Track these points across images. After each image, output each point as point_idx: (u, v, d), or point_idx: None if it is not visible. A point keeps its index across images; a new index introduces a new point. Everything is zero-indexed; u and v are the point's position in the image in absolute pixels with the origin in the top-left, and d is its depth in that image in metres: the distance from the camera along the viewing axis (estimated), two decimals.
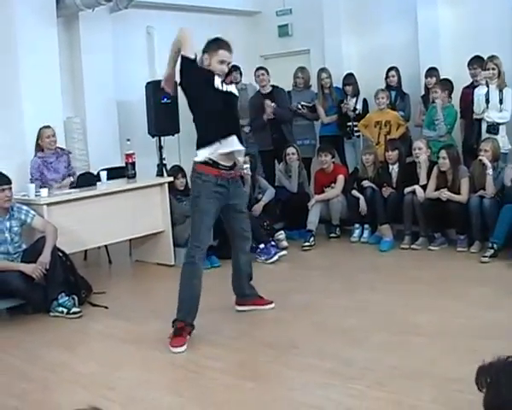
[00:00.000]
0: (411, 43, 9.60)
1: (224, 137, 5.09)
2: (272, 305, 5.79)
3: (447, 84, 8.37)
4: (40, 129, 7.51)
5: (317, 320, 5.46)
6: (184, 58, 5.05)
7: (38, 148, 7.51)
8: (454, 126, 8.30)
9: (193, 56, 5.06)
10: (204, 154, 5.11)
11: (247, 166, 8.11)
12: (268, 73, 9.39)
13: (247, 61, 10.24)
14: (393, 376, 4.23)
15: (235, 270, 5.73)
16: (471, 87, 8.23)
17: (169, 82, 5.40)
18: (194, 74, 5.07)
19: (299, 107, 9.55)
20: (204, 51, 5.14)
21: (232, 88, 5.32)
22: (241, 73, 9.71)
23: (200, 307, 5.33)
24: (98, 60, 9.10)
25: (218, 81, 5.12)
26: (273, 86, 9.37)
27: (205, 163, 5.12)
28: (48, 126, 7.60)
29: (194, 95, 5.15)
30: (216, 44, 5.14)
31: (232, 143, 5.14)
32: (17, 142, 8.20)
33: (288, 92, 9.85)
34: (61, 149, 7.70)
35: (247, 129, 9.48)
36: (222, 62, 5.09)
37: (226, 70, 5.18)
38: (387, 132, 8.64)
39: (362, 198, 8.11)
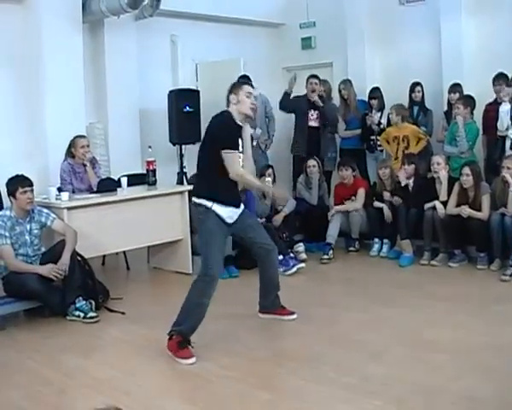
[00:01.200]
0: (435, 59, 9.56)
1: (233, 207, 5.27)
2: (294, 316, 5.78)
3: (469, 101, 8.32)
4: (75, 137, 7.46)
5: (335, 334, 5.42)
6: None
7: (70, 155, 7.46)
8: (475, 143, 8.25)
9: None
10: (208, 204, 5.15)
11: (269, 179, 8.11)
12: (320, 83, 9.42)
13: (269, 73, 10.26)
14: (413, 392, 4.19)
15: (265, 284, 5.74)
16: (494, 104, 8.18)
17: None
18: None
19: None
20: (230, 93, 5.32)
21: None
22: (252, 85, 9.65)
23: (218, 316, 5.37)
24: (122, 66, 9.15)
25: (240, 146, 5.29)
26: (319, 96, 9.36)
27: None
28: (83, 136, 7.60)
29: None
30: (239, 83, 5.59)
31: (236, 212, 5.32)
32: (39, 145, 8.26)
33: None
34: (91, 160, 7.63)
35: (263, 138, 9.51)
36: (249, 95, 5.28)
37: (255, 104, 5.40)
38: (405, 147, 8.59)
39: (385, 206, 8.08)
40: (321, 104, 9.20)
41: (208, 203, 5.12)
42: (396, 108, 8.70)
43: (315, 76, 9.45)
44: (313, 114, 9.25)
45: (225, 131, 5.18)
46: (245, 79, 9.50)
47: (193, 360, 4.89)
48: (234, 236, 5.68)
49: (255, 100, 9.29)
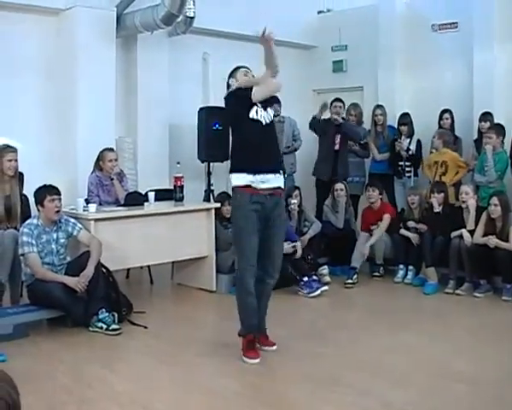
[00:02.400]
0: (466, 86, 9.54)
1: (257, 173, 5.20)
2: (274, 347, 5.54)
3: (501, 130, 8.28)
4: (103, 150, 7.54)
5: (356, 358, 5.38)
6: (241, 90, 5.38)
7: (98, 167, 7.53)
8: (505, 172, 8.20)
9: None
10: (238, 178, 5.21)
11: (294, 201, 8.12)
12: (344, 106, 9.43)
13: (299, 94, 10.28)
14: None
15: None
16: None
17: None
18: (238, 104, 5.35)
19: (351, 143, 9.55)
20: (229, 78, 5.66)
21: (269, 115, 5.43)
22: (281, 105, 9.70)
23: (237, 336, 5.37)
24: (153, 82, 9.22)
25: (253, 112, 5.31)
26: (343, 118, 9.33)
27: (241, 186, 5.20)
28: (111, 149, 7.67)
29: (233, 122, 5.49)
30: (237, 67, 5.68)
31: (266, 180, 5.22)
32: (69, 157, 8.35)
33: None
34: (119, 173, 7.70)
35: (289, 162, 9.55)
36: (246, 73, 5.56)
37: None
38: (443, 173, 8.54)
39: (411, 235, 8.04)
40: (340, 121, 9.14)
41: (233, 176, 5.24)
42: (439, 133, 8.71)
43: (339, 99, 9.45)
44: (337, 139, 9.19)
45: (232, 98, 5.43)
46: (273, 99, 9.59)
47: (256, 360, 5.19)
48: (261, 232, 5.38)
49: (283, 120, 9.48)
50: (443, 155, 8.60)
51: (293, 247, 7.61)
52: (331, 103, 9.38)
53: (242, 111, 5.29)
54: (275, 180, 5.26)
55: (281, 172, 5.35)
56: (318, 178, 9.40)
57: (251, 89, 5.29)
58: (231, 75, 5.60)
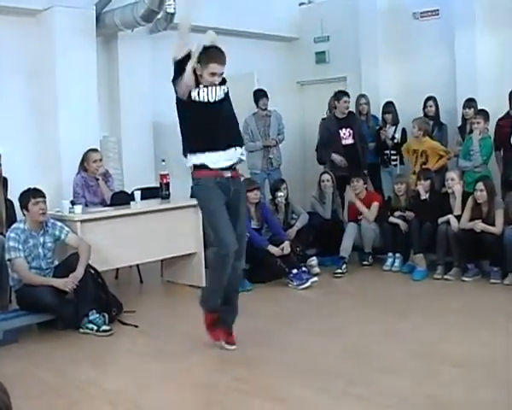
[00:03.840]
0: (449, 73, 9.57)
1: (211, 151, 5.04)
2: (234, 347, 5.35)
3: (487, 116, 8.30)
4: (87, 151, 7.53)
5: (349, 346, 5.40)
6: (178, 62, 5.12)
7: (83, 168, 7.52)
8: (490, 157, 8.23)
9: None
10: (193, 159, 5.08)
11: (282, 194, 8.13)
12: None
13: (283, 87, 10.27)
14: (426, 405, 4.16)
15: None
16: (508, 118, 8.16)
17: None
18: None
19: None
20: (198, 61, 5.09)
21: (217, 92, 5.12)
22: (268, 99, 9.69)
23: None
24: (136, 80, 9.20)
25: (194, 93, 5.06)
26: (349, 112, 9.27)
27: (198, 167, 5.07)
28: (95, 150, 7.65)
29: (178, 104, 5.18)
30: (207, 57, 5.08)
31: (220, 158, 5.06)
32: (52, 159, 8.32)
33: (323, 119, 9.87)
34: (104, 173, 7.67)
35: (271, 154, 9.54)
36: (213, 75, 5.04)
37: (216, 81, 5.07)
38: (423, 162, 8.57)
39: (400, 222, 8.05)
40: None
41: (191, 157, 5.07)
42: (418, 122, 8.68)
43: (346, 93, 9.27)
44: (345, 133, 9.12)
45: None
46: (261, 93, 9.61)
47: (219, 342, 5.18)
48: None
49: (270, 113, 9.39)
50: (422, 144, 8.63)
51: (282, 249, 7.60)
52: (339, 99, 9.20)
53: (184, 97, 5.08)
54: (234, 155, 5.12)
55: (239, 148, 5.17)
56: (337, 174, 9.08)
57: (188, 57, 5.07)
58: (201, 59, 5.12)
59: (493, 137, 8.37)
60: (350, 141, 9.13)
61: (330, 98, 9.75)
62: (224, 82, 5.20)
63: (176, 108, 5.20)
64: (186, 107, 5.10)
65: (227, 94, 5.19)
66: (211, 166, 5.04)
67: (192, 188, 5.21)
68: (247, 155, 9.41)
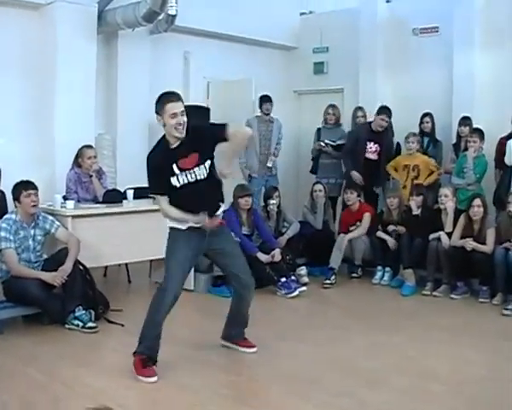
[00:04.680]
0: (446, 90, 9.58)
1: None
2: (254, 349, 5.49)
3: (482, 135, 8.31)
4: (82, 147, 7.48)
5: (334, 357, 5.39)
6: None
7: (77, 164, 7.48)
8: (483, 176, 8.25)
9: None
10: (171, 223, 5.06)
11: (274, 201, 8.12)
12: (390, 117, 9.08)
13: (280, 95, 10.29)
14: None
15: (233, 316, 5.50)
16: (508, 137, 8.17)
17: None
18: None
19: (322, 145, 9.55)
20: (156, 113, 4.87)
21: (196, 174, 4.93)
22: (272, 105, 9.71)
23: (216, 334, 5.44)
24: (134, 79, 9.20)
25: (174, 180, 4.89)
26: (384, 130, 9.08)
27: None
28: (90, 146, 7.62)
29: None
30: (162, 101, 4.83)
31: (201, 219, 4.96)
32: (47, 153, 8.30)
33: (318, 129, 9.88)
34: (98, 170, 7.62)
35: (270, 163, 9.55)
36: (174, 115, 4.75)
37: (182, 120, 4.78)
38: (415, 177, 8.60)
39: (388, 238, 8.08)
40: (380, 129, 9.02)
41: (169, 223, 5.05)
42: (417, 138, 8.71)
43: (387, 111, 9.10)
44: (372, 147, 9.06)
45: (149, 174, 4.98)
46: (266, 98, 9.63)
47: (154, 379, 4.79)
48: (208, 256, 5.48)
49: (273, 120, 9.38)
50: (414, 159, 8.67)
51: (272, 256, 7.59)
52: (378, 113, 9.08)
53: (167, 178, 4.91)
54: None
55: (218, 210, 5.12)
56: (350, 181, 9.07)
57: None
58: (158, 108, 4.84)
59: (494, 155, 8.40)
60: (374, 156, 9.06)
61: (326, 107, 9.80)
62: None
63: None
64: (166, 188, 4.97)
65: (210, 167, 4.98)
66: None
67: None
68: (245, 156, 9.48)
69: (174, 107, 4.77)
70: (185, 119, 4.82)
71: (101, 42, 8.98)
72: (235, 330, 5.54)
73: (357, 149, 9.10)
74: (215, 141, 4.95)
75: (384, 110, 9.09)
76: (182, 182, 4.89)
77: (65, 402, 4.45)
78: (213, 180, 5.02)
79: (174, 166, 4.86)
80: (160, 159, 4.89)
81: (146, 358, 4.90)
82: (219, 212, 5.13)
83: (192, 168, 4.89)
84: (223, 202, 5.21)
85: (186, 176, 4.89)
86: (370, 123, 9.17)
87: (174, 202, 4.93)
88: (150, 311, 5.03)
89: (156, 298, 5.04)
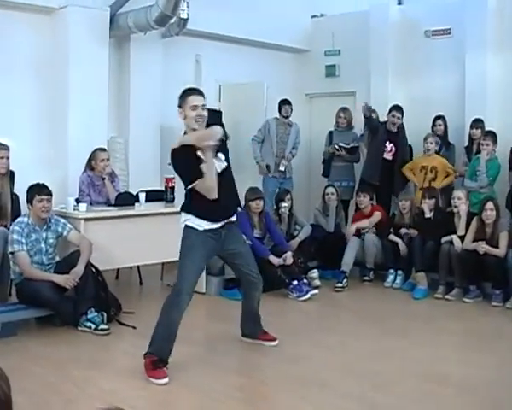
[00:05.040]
0: (458, 93, 9.57)
1: (208, 221, 5.03)
2: (275, 342, 5.68)
3: (495, 137, 8.29)
4: (95, 150, 7.51)
5: (345, 361, 5.39)
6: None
7: (90, 167, 7.50)
8: (496, 179, 8.22)
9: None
10: (192, 221, 5.06)
11: (286, 204, 8.12)
12: (403, 116, 9.14)
13: (292, 98, 10.24)
14: None
15: (245, 313, 5.69)
16: None
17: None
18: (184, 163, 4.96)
19: (336, 148, 9.55)
20: (178, 106, 4.98)
21: (220, 162, 5.04)
22: (291, 109, 9.74)
23: (229, 336, 5.40)
24: (146, 83, 9.22)
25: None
26: (400, 129, 9.17)
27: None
28: (103, 149, 7.64)
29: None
30: (184, 94, 4.97)
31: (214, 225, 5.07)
32: (60, 156, 8.34)
33: (330, 132, 9.89)
34: (110, 173, 7.64)
35: (282, 167, 9.55)
36: (195, 108, 4.87)
37: (202, 113, 4.89)
38: (432, 179, 8.58)
39: (400, 241, 8.06)
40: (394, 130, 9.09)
41: (186, 216, 5.07)
42: (434, 138, 8.70)
43: (398, 108, 9.18)
44: (387, 147, 9.07)
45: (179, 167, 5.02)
46: (285, 101, 9.67)
47: (165, 380, 4.78)
48: (220, 257, 5.58)
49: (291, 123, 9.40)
50: (432, 161, 8.64)
51: (284, 259, 7.59)
52: (389, 111, 9.20)
53: (192, 167, 4.92)
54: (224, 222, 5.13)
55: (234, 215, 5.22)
56: (367, 181, 9.11)
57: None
58: (180, 102, 4.97)
59: (509, 156, 8.40)
60: (389, 157, 9.08)
61: (338, 110, 9.87)
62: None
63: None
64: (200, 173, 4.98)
65: (228, 163, 5.11)
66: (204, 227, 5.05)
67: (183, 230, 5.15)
68: (262, 152, 9.52)
69: (195, 99, 4.90)
70: (205, 113, 4.92)
71: (113, 45, 9.01)
72: (251, 327, 5.69)
73: (373, 148, 9.14)
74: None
75: (395, 107, 9.13)
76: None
77: (76, 404, 4.46)
78: (231, 179, 5.17)
79: (199, 153, 4.90)
80: (185, 149, 4.91)
81: (157, 359, 4.91)
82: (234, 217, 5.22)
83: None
84: (239, 205, 5.27)
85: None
86: (385, 123, 9.17)
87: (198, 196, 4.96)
88: (165, 311, 5.03)
89: (171, 299, 5.05)
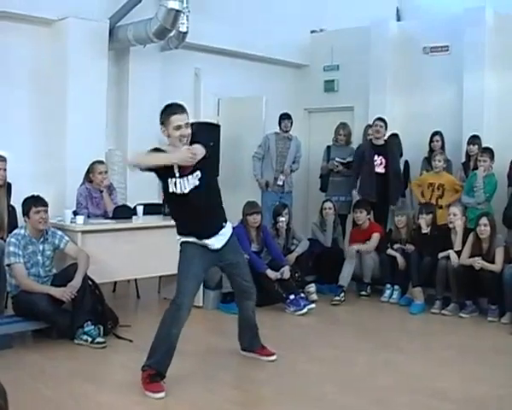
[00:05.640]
0: (455, 109, 9.62)
1: (195, 237, 5.06)
2: (274, 357, 5.66)
3: (492, 153, 8.31)
4: (93, 162, 7.51)
5: (342, 376, 5.38)
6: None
7: (88, 179, 7.50)
8: (493, 195, 8.23)
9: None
10: (184, 238, 5.11)
11: (283, 219, 8.13)
12: (386, 127, 9.12)
13: (291, 112, 10.29)
14: None
15: (241, 325, 5.70)
16: None
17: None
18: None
19: (336, 164, 9.56)
20: (160, 123, 4.93)
21: (192, 180, 4.93)
22: (291, 123, 9.76)
23: (226, 350, 5.40)
24: (145, 96, 9.23)
25: (172, 185, 4.94)
26: (386, 140, 9.17)
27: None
28: (101, 162, 7.64)
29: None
30: (167, 113, 4.88)
31: (207, 241, 5.08)
32: (58, 168, 8.34)
33: (328, 147, 9.92)
34: (108, 186, 7.64)
35: (280, 181, 9.57)
36: (178, 128, 4.81)
37: (186, 132, 4.85)
38: (439, 196, 8.57)
39: (398, 255, 8.07)
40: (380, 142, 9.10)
41: (178, 236, 5.13)
42: (443, 155, 8.70)
43: (381, 119, 9.15)
44: (377, 161, 9.05)
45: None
46: (285, 116, 9.70)
47: (161, 394, 4.77)
48: (220, 267, 5.61)
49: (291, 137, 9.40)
50: (440, 178, 8.62)
51: (281, 273, 7.58)
52: (373, 122, 9.22)
53: (163, 185, 5.02)
54: (217, 242, 5.12)
55: (222, 230, 5.17)
56: (365, 198, 9.04)
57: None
58: (162, 119, 4.91)
59: (507, 171, 8.46)
60: (381, 170, 9.05)
61: (337, 126, 9.88)
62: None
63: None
64: (168, 197, 5.09)
65: (202, 179, 4.94)
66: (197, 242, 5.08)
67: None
68: (261, 169, 9.56)
69: (178, 119, 4.83)
70: (189, 131, 4.88)
71: (112, 58, 9.04)
72: (249, 339, 5.68)
73: (365, 165, 9.11)
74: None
75: (377, 119, 9.16)
76: (179, 189, 4.92)
77: None
78: (214, 196, 5.16)
79: (175, 169, 4.89)
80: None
81: (155, 373, 4.90)
82: (224, 230, 5.20)
83: (186, 175, 4.91)
84: (225, 221, 5.26)
85: (183, 183, 4.92)
86: (371, 139, 9.21)
87: (177, 210, 5.08)
88: (164, 326, 5.02)
89: (171, 313, 5.03)
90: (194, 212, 4.96)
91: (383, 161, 9.04)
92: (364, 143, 9.41)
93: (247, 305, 5.57)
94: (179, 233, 5.13)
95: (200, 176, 4.92)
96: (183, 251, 5.11)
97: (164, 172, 4.92)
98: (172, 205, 5.19)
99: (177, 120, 4.82)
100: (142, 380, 4.89)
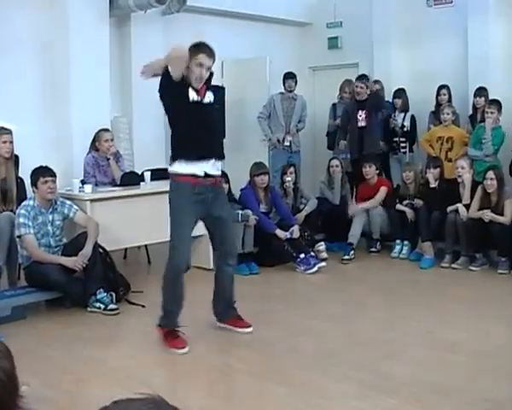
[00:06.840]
0: (461, 61, 9.53)
1: (199, 160, 5.02)
2: (250, 329, 5.40)
3: (499, 105, 8.25)
4: (99, 131, 7.50)
5: (353, 332, 5.43)
6: (167, 72, 4.98)
7: (94, 148, 7.51)
8: (500, 148, 8.20)
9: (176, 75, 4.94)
10: (178, 166, 5.04)
11: (289, 178, 8.14)
12: (367, 86, 9.06)
13: (295, 72, 10.25)
14: (429, 391, 4.19)
15: (217, 292, 5.49)
16: None
17: (149, 71, 5.34)
18: (170, 88, 5.01)
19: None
20: (188, 50, 4.98)
21: (209, 97, 5.12)
22: (296, 82, 9.72)
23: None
24: (148, 61, 9.15)
25: (192, 94, 5.00)
26: (371, 94, 9.11)
27: (183, 174, 5.04)
28: (107, 130, 7.64)
29: (170, 109, 5.15)
30: (197, 48, 4.99)
31: (206, 167, 5.04)
32: (64, 138, 8.32)
33: (334, 105, 9.90)
34: (115, 153, 7.62)
35: (287, 141, 9.55)
36: (200, 65, 4.94)
37: (204, 74, 4.99)
38: (449, 149, 8.52)
39: (407, 209, 8.06)
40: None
41: (174, 164, 5.05)
42: (451, 107, 8.65)
43: (362, 79, 9.17)
44: (361, 115, 9.04)
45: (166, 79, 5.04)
46: (289, 75, 9.67)
47: (185, 350, 4.92)
48: (206, 222, 5.35)
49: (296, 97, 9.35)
50: (449, 131, 8.56)
51: (291, 233, 7.60)
52: (356, 80, 9.26)
53: (181, 93, 5.00)
54: (214, 167, 5.11)
55: (221, 159, 5.19)
56: (353, 158, 9.16)
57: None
58: (190, 51, 4.99)
59: None
60: (363, 123, 9.03)
61: (342, 83, 9.87)
62: (210, 83, 5.20)
63: (168, 118, 5.20)
64: (184, 112, 5.04)
65: (214, 102, 5.17)
66: (196, 173, 5.02)
67: (169, 191, 5.21)
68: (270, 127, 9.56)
69: (204, 60, 4.96)
70: (207, 75, 5.04)
71: (113, 25, 8.98)
72: (222, 308, 5.50)
73: (350, 122, 9.15)
74: None
75: (359, 77, 9.20)
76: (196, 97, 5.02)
77: (88, 383, 4.53)
78: (219, 124, 5.38)
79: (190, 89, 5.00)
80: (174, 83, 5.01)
81: (168, 330, 5.06)
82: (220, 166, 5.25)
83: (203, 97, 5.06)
84: (224, 157, 5.29)
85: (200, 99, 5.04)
86: (355, 96, 9.18)
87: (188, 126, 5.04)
88: (167, 289, 5.13)
89: (169, 276, 5.13)
90: (205, 125, 5.02)
91: (366, 114, 9.02)
92: (348, 102, 9.46)
93: (226, 272, 5.40)
94: (181, 158, 5.02)
95: (213, 96, 5.13)
96: (175, 196, 5.11)
97: (184, 83, 4.98)
98: (184, 122, 5.04)
99: (202, 58, 4.94)
100: (163, 339, 5.03)
